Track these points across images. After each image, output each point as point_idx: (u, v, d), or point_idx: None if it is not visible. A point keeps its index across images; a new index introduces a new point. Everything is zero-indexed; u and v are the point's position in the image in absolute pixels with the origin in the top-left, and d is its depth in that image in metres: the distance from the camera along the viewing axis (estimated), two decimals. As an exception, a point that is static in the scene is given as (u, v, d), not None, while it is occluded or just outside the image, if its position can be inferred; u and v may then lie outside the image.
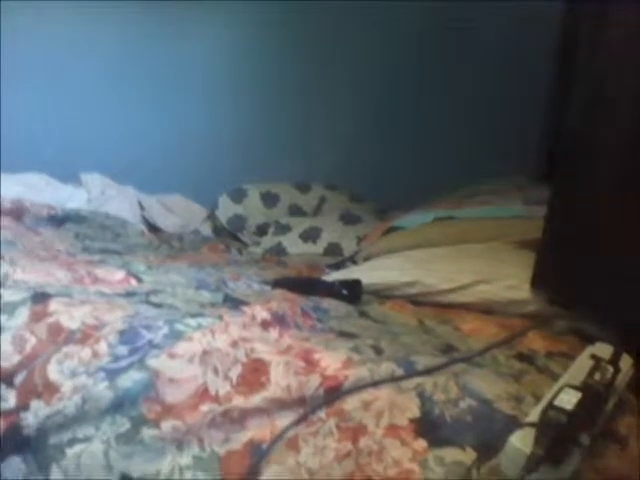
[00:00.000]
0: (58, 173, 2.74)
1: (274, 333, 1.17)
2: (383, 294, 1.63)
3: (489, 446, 0.90)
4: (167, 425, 1.00)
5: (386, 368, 1.05)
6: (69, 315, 1.19)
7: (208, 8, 2.99)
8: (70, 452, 1.01)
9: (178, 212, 2.80)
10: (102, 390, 1.05)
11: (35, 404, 1.06)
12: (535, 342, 1.29)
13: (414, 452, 0.92)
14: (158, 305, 1.31)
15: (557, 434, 0.80)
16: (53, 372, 1.09)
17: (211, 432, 0.99)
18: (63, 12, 2.92)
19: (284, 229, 2.56)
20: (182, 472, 0.97)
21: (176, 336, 1.12)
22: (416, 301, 1.60)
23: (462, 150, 2.94)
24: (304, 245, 2.44)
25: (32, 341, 1.15)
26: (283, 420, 0.99)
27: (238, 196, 2.77)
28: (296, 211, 2.77)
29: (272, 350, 1.10)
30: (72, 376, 1.08)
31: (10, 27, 2.86)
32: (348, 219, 2.55)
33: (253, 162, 3.04)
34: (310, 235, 2.46)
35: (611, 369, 0.97)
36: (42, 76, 2.99)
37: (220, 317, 1.19)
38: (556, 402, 0.84)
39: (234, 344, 1.10)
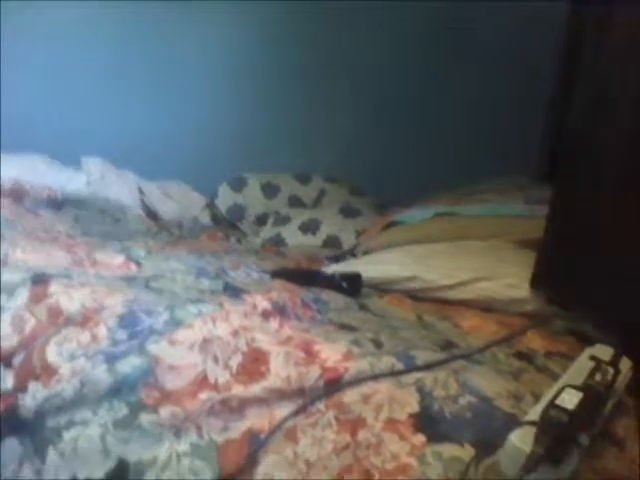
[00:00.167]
0: (59, 158, 2.72)
1: (274, 323, 1.17)
2: (382, 288, 1.63)
3: (488, 443, 0.89)
4: (165, 411, 1.00)
5: (386, 362, 1.05)
6: (69, 297, 1.19)
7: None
8: (67, 435, 1.01)
9: (177, 199, 2.79)
10: (101, 374, 1.05)
11: (33, 386, 1.06)
12: (534, 341, 1.29)
13: (412, 446, 0.92)
14: (158, 291, 1.30)
15: (558, 433, 0.80)
16: (52, 354, 1.09)
17: (210, 420, 0.99)
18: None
19: (284, 220, 2.56)
20: (179, 459, 0.97)
21: (177, 322, 1.11)
22: (415, 296, 1.60)
23: (463, 149, 2.94)
24: (303, 237, 2.44)
25: (31, 322, 1.15)
26: (282, 410, 0.99)
27: (238, 185, 2.77)
28: (296, 202, 2.76)
29: (272, 340, 1.10)
30: (71, 359, 1.08)
31: (10, 12, 2.84)
32: (348, 212, 2.55)
33: (253, 152, 3.03)
34: (309, 227, 2.46)
35: (611, 370, 0.97)
36: (42, 60, 2.97)
37: (221, 305, 1.19)
38: (557, 401, 0.84)
39: (235, 333, 1.09)
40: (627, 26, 1.27)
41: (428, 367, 1.05)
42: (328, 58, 3.03)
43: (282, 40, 3.01)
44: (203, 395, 1.01)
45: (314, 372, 1.02)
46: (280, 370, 1.03)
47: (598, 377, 0.95)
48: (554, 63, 2.71)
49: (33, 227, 1.82)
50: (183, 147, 3.05)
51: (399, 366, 1.05)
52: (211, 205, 2.77)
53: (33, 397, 1.05)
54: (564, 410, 0.83)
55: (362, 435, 0.94)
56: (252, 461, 0.94)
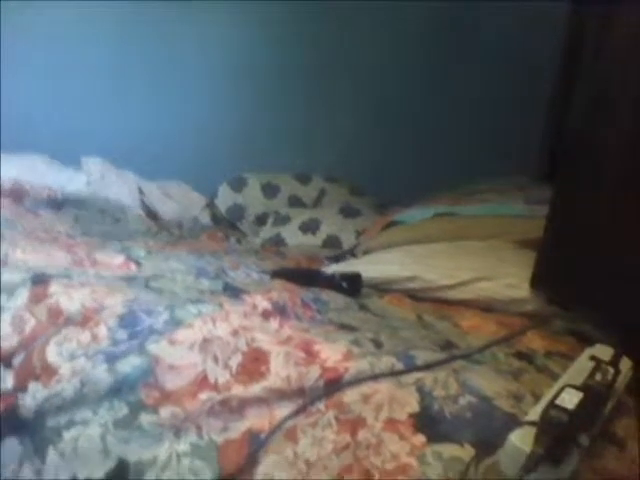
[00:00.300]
0: (58, 158, 2.72)
1: (274, 323, 1.17)
2: (382, 288, 1.63)
3: (488, 443, 0.89)
4: (165, 411, 1.00)
5: (386, 362, 1.05)
6: (69, 297, 1.19)
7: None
8: (67, 435, 1.01)
9: (177, 199, 2.79)
10: (101, 374, 1.05)
11: (33, 386, 1.06)
12: (534, 341, 1.29)
13: (412, 447, 0.92)
14: (158, 291, 1.30)
15: (558, 433, 0.80)
16: (52, 354, 1.09)
17: (210, 420, 0.99)
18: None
19: (283, 220, 2.56)
20: (179, 459, 0.97)
21: (177, 322, 1.11)
22: (415, 296, 1.60)
23: (463, 149, 2.94)
24: (303, 236, 2.44)
25: (31, 322, 1.15)
26: (282, 410, 0.99)
27: (238, 185, 2.77)
28: (296, 202, 2.76)
29: (272, 340, 1.09)
30: (71, 359, 1.08)
31: (10, 12, 2.84)
32: (348, 212, 2.55)
33: (253, 152, 3.03)
34: (309, 227, 2.46)
35: (612, 370, 0.97)
36: (42, 61, 2.97)
37: (220, 305, 1.19)
38: (558, 401, 0.84)
39: (235, 333, 1.09)
40: (627, 26, 1.27)
41: (428, 367, 1.05)
42: (329, 58, 3.03)
43: (282, 40, 3.01)
44: (203, 395, 1.01)
45: (314, 372, 1.02)
46: (280, 370, 1.03)
47: (598, 377, 0.95)
48: (554, 63, 2.71)
49: (33, 227, 1.82)
50: (183, 147, 3.05)
51: (399, 366, 1.05)
52: (211, 205, 2.77)
53: (33, 397, 1.05)
54: (564, 410, 0.83)
55: (362, 435, 0.94)
56: (252, 461, 0.94)
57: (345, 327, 1.25)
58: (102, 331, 1.11)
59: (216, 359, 1.05)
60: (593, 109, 1.34)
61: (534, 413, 0.87)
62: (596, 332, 1.32)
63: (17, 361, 1.10)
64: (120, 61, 3.02)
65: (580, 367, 0.99)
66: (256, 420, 0.99)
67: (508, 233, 1.81)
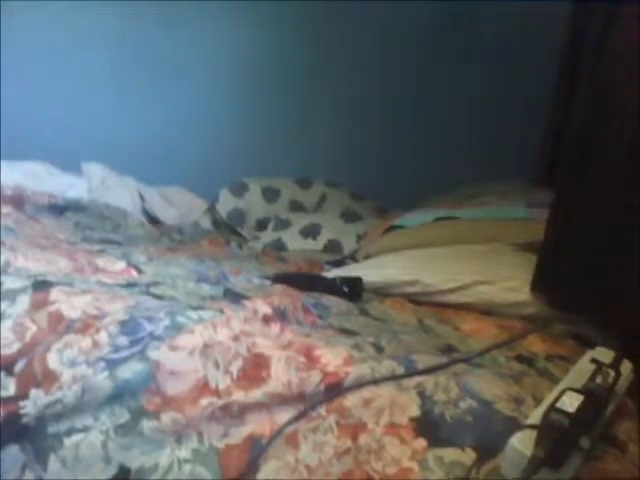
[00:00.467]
0: (59, 164, 2.73)
1: (275, 328, 1.17)
2: (383, 292, 1.63)
3: (489, 447, 0.90)
4: (167, 417, 1.00)
5: (387, 366, 1.05)
6: (70, 304, 1.19)
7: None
8: (68, 442, 1.01)
9: (178, 204, 2.80)
10: (102, 380, 1.04)
11: (34, 393, 1.06)
12: (535, 345, 1.30)
13: (413, 451, 0.92)
14: (159, 297, 1.30)
15: (559, 437, 0.80)
16: (53, 361, 1.09)
17: (211, 426, 0.99)
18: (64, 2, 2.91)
19: (284, 224, 2.56)
20: (181, 465, 0.97)
21: (177, 328, 1.11)
22: (416, 300, 1.60)
23: (463, 151, 2.95)
24: (304, 241, 2.44)
25: (33, 329, 1.14)
26: (283, 415, 0.99)
27: (239, 190, 2.77)
28: (296, 207, 2.77)
29: (273, 345, 1.09)
30: (72, 365, 1.08)
31: (10, 16, 2.85)
32: (348, 217, 2.55)
33: (254, 157, 3.04)
34: (310, 231, 2.46)
35: (612, 373, 0.97)
36: (43, 68, 2.98)
37: (221, 310, 1.19)
38: (558, 405, 0.84)
39: (235, 338, 1.09)
40: (628, 26, 1.27)
41: (429, 371, 1.05)
42: (329, 63, 3.04)
43: (283, 44, 3.03)
44: (204, 401, 1.01)
45: (315, 377, 1.02)
46: (281, 375, 1.03)
47: (599, 380, 0.95)
48: (554, 63, 2.71)
49: (34, 234, 1.82)
50: (184, 152, 3.06)
51: (400, 370, 1.05)
52: (212, 210, 2.78)
53: (34, 404, 1.04)
54: (565, 413, 0.83)
55: (363, 440, 0.94)
56: (253, 466, 0.94)
57: (346, 332, 1.25)
58: (103, 338, 1.11)
59: (217, 364, 1.05)
60: (593, 109, 1.34)
61: (535, 416, 0.87)
62: (597, 335, 1.32)
63: (18, 368, 1.10)
64: (120, 67, 3.04)
65: (581, 370, 0.99)
66: (257, 425, 0.99)
67: (509, 236, 1.81)
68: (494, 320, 1.47)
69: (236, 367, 1.05)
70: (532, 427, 0.83)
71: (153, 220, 2.57)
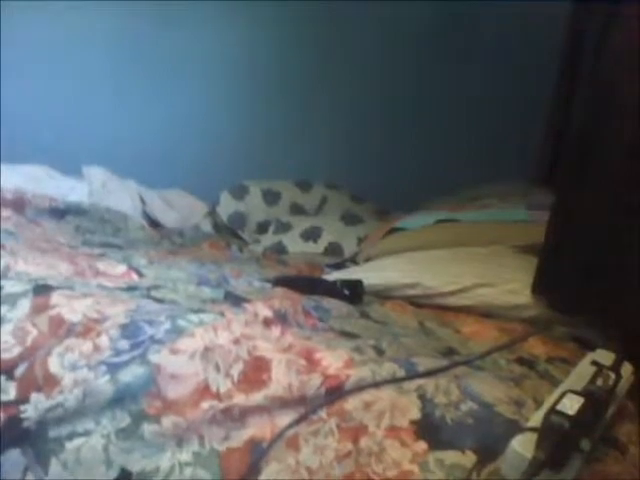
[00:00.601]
0: (59, 167, 2.73)
1: (276, 331, 1.17)
2: (384, 295, 1.63)
3: (489, 450, 0.90)
4: (167, 421, 1.00)
5: (388, 369, 1.05)
6: (71, 308, 1.19)
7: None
8: (70, 446, 1.01)
9: (178, 207, 2.80)
10: (103, 384, 1.04)
11: (35, 397, 1.06)
12: (536, 347, 1.30)
13: (414, 454, 0.92)
14: (160, 300, 1.30)
15: (559, 439, 0.80)
16: (54, 365, 1.09)
17: (211, 429, 0.99)
18: (64, 3, 2.91)
19: (285, 227, 2.56)
20: (182, 468, 0.97)
21: (178, 332, 1.11)
22: (416, 303, 1.60)
23: (463, 152, 2.95)
24: (304, 244, 2.44)
25: (33, 333, 1.14)
26: (284, 419, 0.99)
27: (239, 193, 2.77)
28: (297, 210, 2.77)
29: (274, 348, 1.10)
30: (73, 369, 1.08)
31: (10, 16, 2.86)
32: (349, 219, 2.55)
33: (254, 159, 3.04)
34: (311, 234, 2.46)
35: (613, 375, 0.97)
36: (43, 68, 2.99)
37: (222, 314, 1.19)
38: (559, 407, 0.84)
39: (236, 341, 1.09)
40: (628, 26, 1.28)
41: (429, 374, 1.05)
42: (329, 64, 3.04)
43: (283, 44, 3.03)
44: (205, 404, 1.01)
45: (316, 380, 1.02)
46: (282, 378, 1.03)
47: (599, 382, 0.95)
48: (554, 63, 2.71)
49: (34, 237, 1.82)
50: (184, 155, 3.06)
51: (400, 373, 1.05)
52: (212, 213, 2.78)
53: (35, 408, 1.04)
54: (565, 415, 0.83)
55: (364, 442, 0.94)
56: (254, 470, 0.94)
57: (346, 334, 1.25)
58: (104, 341, 1.11)
59: (218, 368, 1.05)
60: (594, 110, 1.34)
61: (535, 419, 0.87)
62: (597, 337, 1.32)
63: (19, 372, 1.10)
64: (120, 67, 3.04)
65: (581, 372, 0.99)
66: (258, 429, 0.99)
67: (509, 239, 1.81)
68: (495, 323, 1.47)
69: (237, 370, 1.05)
70: (533, 429, 0.83)
71: (154, 223, 2.56)
